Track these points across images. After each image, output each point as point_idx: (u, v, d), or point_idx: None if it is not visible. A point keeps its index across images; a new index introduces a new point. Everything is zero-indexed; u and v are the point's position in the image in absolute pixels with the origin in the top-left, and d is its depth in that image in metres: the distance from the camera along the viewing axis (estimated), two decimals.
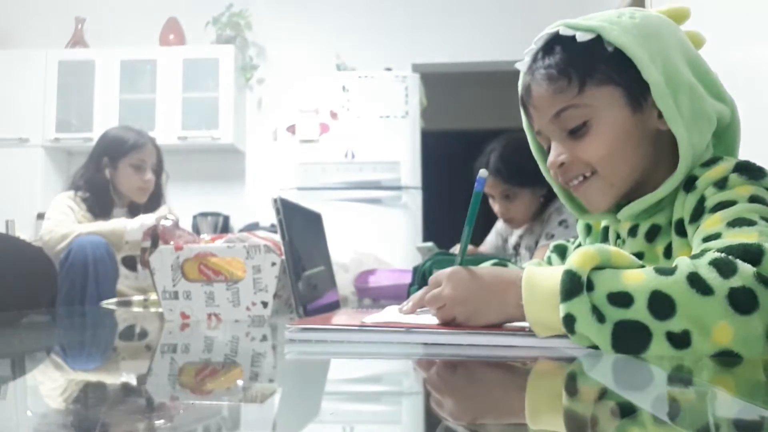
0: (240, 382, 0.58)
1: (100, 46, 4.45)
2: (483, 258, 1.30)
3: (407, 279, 1.38)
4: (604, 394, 0.50)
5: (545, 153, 0.92)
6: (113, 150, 2.15)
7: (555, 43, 0.85)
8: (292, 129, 3.96)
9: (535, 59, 0.88)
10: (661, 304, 0.61)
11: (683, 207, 0.79)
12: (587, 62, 0.82)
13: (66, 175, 4.20)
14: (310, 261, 1.09)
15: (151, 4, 4.55)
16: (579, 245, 1.12)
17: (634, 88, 0.81)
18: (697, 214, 0.76)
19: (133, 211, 2.17)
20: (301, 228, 1.07)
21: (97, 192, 2.12)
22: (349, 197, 3.85)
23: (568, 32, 0.83)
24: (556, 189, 0.96)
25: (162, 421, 0.42)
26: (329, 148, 3.93)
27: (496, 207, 2.01)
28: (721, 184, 0.76)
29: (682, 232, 0.79)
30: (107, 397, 0.51)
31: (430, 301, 0.76)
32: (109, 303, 1.68)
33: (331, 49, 4.41)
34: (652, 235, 0.86)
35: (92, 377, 0.63)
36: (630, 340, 0.61)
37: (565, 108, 0.83)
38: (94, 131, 4.15)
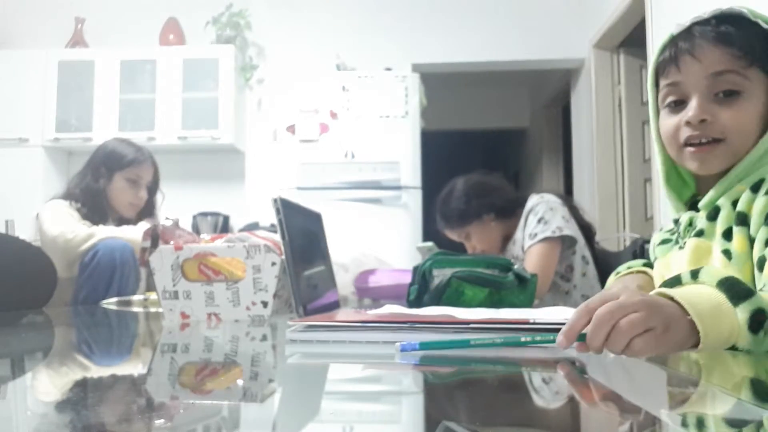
0: (240, 382, 0.58)
1: (100, 46, 4.45)
2: (483, 258, 1.31)
3: (407, 279, 1.38)
4: (604, 394, 0.50)
5: (657, 112, 1.01)
6: (111, 162, 2.13)
7: (730, 19, 0.93)
8: (291, 129, 3.96)
9: (701, 24, 0.94)
10: None
11: (749, 205, 0.88)
12: (761, 47, 0.91)
13: (66, 175, 4.20)
14: (310, 261, 1.08)
15: (151, 4, 4.55)
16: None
17: None
18: None
19: (121, 225, 2.12)
20: (301, 228, 1.07)
21: (92, 202, 2.09)
22: (349, 197, 3.85)
23: (750, 16, 0.92)
24: (660, 156, 1.03)
25: (162, 421, 0.42)
26: (329, 148, 3.93)
27: (469, 249, 2.14)
28: None
29: (743, 222, 0.89)
30: (107, 397, 0.51)
31: (630, 327, 0.61)
32: (109, 303, 1.68)
33: (331, 49, 4.41)
34: (714, 213, 0.95)
35: (92, 377, 0.63)
36: None
37: (730, 70, 0.91)
38: (94, 131, 4.15)
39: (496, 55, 4.40)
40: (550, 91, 5.58)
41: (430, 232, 3.86)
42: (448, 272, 1.23)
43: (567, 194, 3.22)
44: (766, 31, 0.91)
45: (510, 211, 2.09)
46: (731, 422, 0.41)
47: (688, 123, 0.93)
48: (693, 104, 0.93)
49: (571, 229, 1.97)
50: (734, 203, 0.92)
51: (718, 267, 0.86)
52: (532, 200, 2.06)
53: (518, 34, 4.38)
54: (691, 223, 1.00)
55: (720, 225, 0.93)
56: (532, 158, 6.32)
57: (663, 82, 0.98)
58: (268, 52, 4.52)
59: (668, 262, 1.05)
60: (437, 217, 2.16)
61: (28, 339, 0.99)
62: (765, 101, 0.92)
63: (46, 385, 0.58)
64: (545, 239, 1.93)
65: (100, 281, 1.89)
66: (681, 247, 1.00)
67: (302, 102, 3.97)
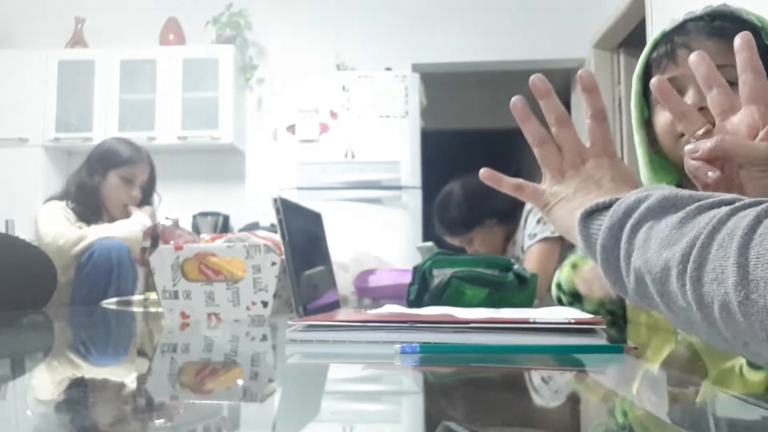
0: (240, 382, 0.58)
1: (100, 46, 4.45)
2: (484, 258, 1.31)
3: (407, 279, 1.38)
4: (603, 394, 0.50)
5: (640, 105, 1.02)
6: (106, 159, 2.13)
7: (722, 16, 0.94)
8: (292, 129, 3.96)
9: (694, 20, 0.96)
10: None
11: None
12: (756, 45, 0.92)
13: (66, 175, 4.19)
14: (310, 261, 1.08)
15: (151, 4, 4.55)
16: None
17: None
18: None
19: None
20: (301, 228, 1.07)
21: (86, 199, 2.09)
22: (349, 197, 3.85)
23: (742, 14, 0.93)
24: (642, 148, 1.08)
25: (162, 421, 0.42)
26: (329, 148, 3.93)
27: (470, 252, 2.14)
28: None
29: None
30: (107, 397, 0.51)
31: None
32: (109, 303, 1.68)
33: (331, 49, 4.40)
34: None
35: (92, 377, 0.63)
36: None
37: (728, 65, 0.90)
38: (94, 131, 4.14)
39: (497, 55, 4.40)
40: None
41: (430, 232, 3.87)
42: (448, 272, 1.23)
43: None
44: (758, 31, 0.90)
45: (511, 213, 2.09)
46: (731, 422, 0.41)
47: None
48: (690, 94, 0.94)
49: None
50: None
51: None
52: None
53: (518, 34, 4.38)
54: None
55: None
56: (532, 158, 6.31)
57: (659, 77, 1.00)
58: (268, 52, 4.53)
59: None
60: (436, 224, 2.15)
61: (28, 339, 0.99)
62: None
63: (46, 385, 0.58)
64: (545, 239, 1.93)
65: (97, 281, 1.89)
66: None
67: (302, 102, 3.97)
